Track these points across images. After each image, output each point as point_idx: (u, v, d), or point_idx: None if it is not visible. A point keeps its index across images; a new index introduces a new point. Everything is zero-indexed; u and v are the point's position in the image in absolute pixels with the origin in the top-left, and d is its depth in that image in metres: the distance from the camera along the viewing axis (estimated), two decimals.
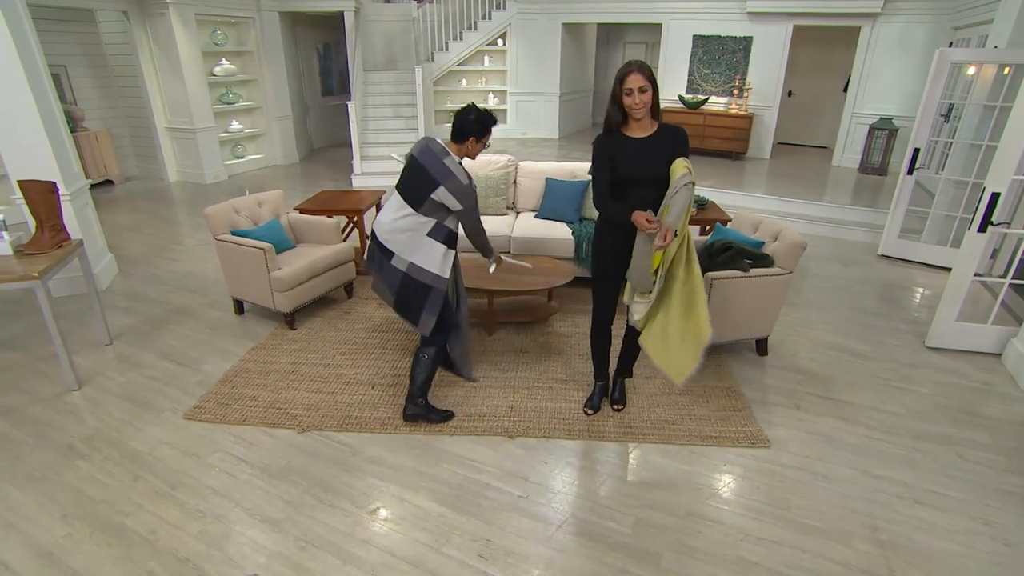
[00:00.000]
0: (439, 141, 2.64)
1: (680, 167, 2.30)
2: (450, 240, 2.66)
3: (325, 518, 2.30)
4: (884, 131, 7.18)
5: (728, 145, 8.08)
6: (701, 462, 2.63)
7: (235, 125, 8.39)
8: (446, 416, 2.89)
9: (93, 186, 7.48)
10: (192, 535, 2.21)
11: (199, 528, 2.24)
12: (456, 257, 2.82)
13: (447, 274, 2.66)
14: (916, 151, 4.85)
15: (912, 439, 2.82)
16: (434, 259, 2.62)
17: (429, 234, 2.60)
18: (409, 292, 2.66)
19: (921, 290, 4.59)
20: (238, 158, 8.54)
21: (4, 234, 3.12)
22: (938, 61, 4.60)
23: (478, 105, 2.67)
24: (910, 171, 4.92)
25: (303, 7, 8.28)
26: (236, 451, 2.67)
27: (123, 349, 3.56)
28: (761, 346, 3.55)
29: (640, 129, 2.38)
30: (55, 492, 2.42)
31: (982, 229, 3.37)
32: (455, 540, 2.19)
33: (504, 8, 9.26)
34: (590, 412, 2.93)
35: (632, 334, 2.81)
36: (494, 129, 2.71)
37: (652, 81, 2.26)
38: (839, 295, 4.46)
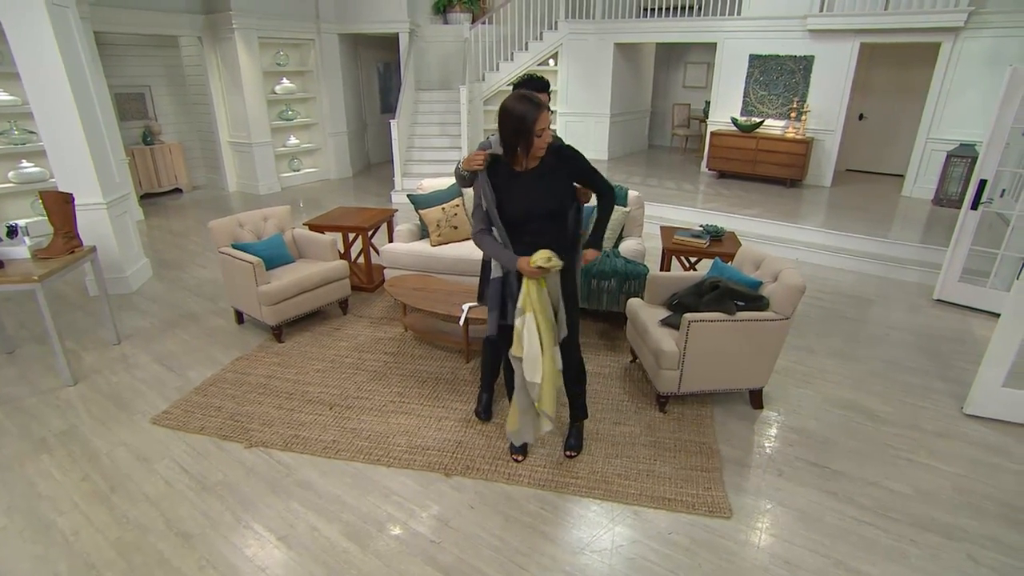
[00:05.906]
0: None
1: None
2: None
3: (236, 540, 2.28)
4: (964, 159, 6.35)
5: (782, 171, 7.49)
6: (643, 527, 2.36)
7: (292, 140, 8.92)
8: (479, 407, 3.02)
9: (164, 193, 8.26)
10: (109, 541, 2.27)
11: (117, 535, 2.30)
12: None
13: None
14: (982, 183, 4.23)
15: (912, 527, 2.38)
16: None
17: None
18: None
19: (977, 344, 3.95)
20: (294, 171, 9.05)
21: (26, 239, 3.46)
22: (1010, 80, 4.00)
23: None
24: (974, 205, 4.30)
25: (361, 29, 8.70)
26: (183, 460, 2.74)
27: (127, 350, 3.81)
28: (755, 398, 3.19)
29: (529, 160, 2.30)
30: (14, 483, 2.59)
31: None
32: None
33: (556, 29, 9.23)
34: (519, 459, 2.73)
35: (566, 369, 2.52)
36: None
37: None
38: (872, 344, 3.93)
